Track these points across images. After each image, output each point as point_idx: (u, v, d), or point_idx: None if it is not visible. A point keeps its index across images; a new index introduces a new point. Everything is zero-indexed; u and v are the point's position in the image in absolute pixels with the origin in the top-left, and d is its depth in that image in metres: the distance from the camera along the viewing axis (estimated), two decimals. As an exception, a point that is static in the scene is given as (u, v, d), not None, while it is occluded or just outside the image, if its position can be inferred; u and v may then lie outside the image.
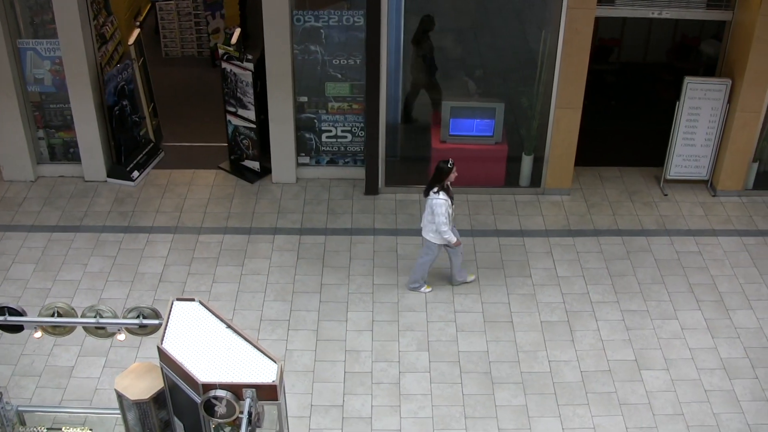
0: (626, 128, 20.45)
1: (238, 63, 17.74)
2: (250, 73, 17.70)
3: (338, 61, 17.64)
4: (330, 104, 18.14)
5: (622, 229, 17.61)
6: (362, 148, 18.30)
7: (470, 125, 17.91)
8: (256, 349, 9.54)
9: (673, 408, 14.15)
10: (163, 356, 9.51)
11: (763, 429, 13.93)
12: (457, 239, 15.30)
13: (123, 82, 18.20)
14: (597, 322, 15.52)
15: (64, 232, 17.21)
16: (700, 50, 21.71)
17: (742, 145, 18.39)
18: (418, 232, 16.80)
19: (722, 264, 17.02)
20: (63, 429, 11.34)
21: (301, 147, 18.42)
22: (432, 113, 18.46)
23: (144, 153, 18.95)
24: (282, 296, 15.75)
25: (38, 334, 10.86)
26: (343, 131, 18.35)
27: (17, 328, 10.82)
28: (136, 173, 18.49)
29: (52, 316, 10.66)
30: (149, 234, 17.15)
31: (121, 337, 10.73)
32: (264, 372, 9.28)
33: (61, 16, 16.84)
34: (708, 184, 19.15)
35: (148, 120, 19.33)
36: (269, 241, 17.02)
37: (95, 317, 10.59)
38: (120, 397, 10.24)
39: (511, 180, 18.54)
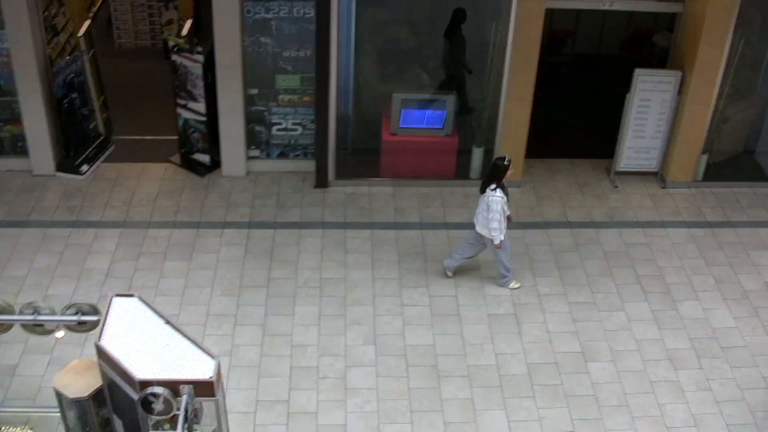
0: (579, 120, 20.47)
1: (188, 55, 17.64)
2: (200, 65, 17.59)
3: (289, 54, 17.58)
4: (280, 97, 18.10)
5: (571, 221, 17.62)
6: (313, 140, 18.13)
7: (421, 117, 17.87)
8: (194, 345, 9.48)
9: (618, 399, 14.18)
10: (101, 353, 9.46)
11: (706, 419, 14.00)
12: (501, 241, 15.28)
13: (72, 75, 18.08)
14: (544, 315, 15.54)
15: (11, 228, 17.06)
16: (654, 42, 21.70)
17: (692, 137, 18.45)
18: (367, 225, 16.87)
19: (670, 255, 17.07)
20: (3, 429, 11.20)
21: (252, 140, 18.35)
22: (383, 105, 18.28)
23: (94, 146, 18.83)
24: (229, 291, 15.68)
25: (-24, 331, 10.72)
26: (293, 124, 18.30)
27: (-46, 326, 10.68)
28: (85, 167, 18.37)
29: (-9, 313, 10.50)
30: (97, 229, 17.04)
31: (60, 334, 10.65)
32: (202, 368, 9.20)
33: (9, 6, 16.68)
34: (658, 176, 19.21)
35: (98, 113, 19.20)
36: (218, 235, 16.94)
37: (33, 314, 10.48)
38: (59, 395, 10.15)
39: (462, 172, 18.55)
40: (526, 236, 17.19)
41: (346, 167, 18.28)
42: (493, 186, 14.91)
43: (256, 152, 18.48)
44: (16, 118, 18.22)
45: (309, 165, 18.44)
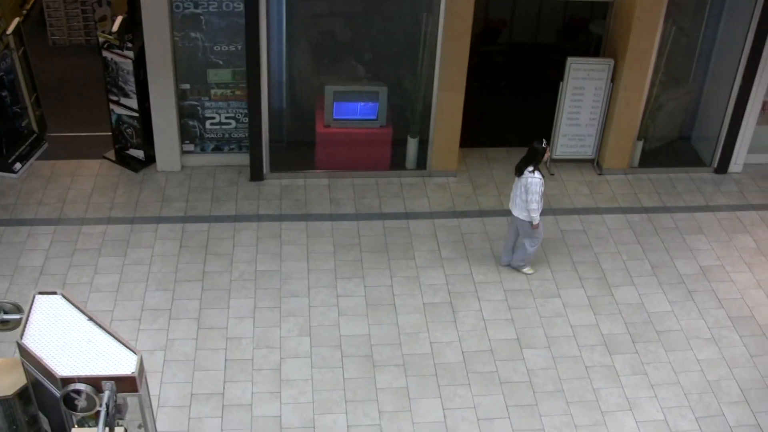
0: (515, 109, 20.51)
1: (119, 51, 17.46)
2: (131, 61, 17.43)
3: (219, 48, 17.49)
4: (213, 91, 17.99)
5: (506, 210, 17.55)
6: (247, 134, 18.04)
7: (354, 109, 17.84)
8: (117, 341, 9.40)
9: (553, 385, 14.20)
10: (23, 351, 9.35)
11: (641, 402, 14.09)
12: (539, 223, 15.52)
13: (2, 73, 17.90)
14: (480, 303, 15.54)
15: (-57, 227, 16.80)
16: (591, 30, 21.75)
17: (627, 124, 18.51)
18: (302, 217, 16.81)
19: (606, 241, 17.12)
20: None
21: (186, 134, 18.24)
22: (317, 98, 18.22)
23: (27, 144, 18.65)
24: (164, 285, 15.59)
25: None
26: (227, 118, 18.21)
27: None
28: (18, 165, 18.20)
29: None
30: (31, 227, 16.88)
31: (-16, 333, 10.49)
32: (124, 364, 9.12)
33: (-63, 6, 16.39)
34: (594, 163, 19.25)
35: (30, 111, 18.99)
36: (153, 230, 16.84)
37: (-46, 313, 10.33)
38: (-16, 394, 10.00)
39: (397, 163, 18.49)
40: (462, 225, 17.20)
41: (281, 160, 18.20)
42: (531, 168, 15.22)
43: (190, 147, 18.38)
44: (-54, 117, 17.84)
45: (244, 158, 18.35)
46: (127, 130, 18.27)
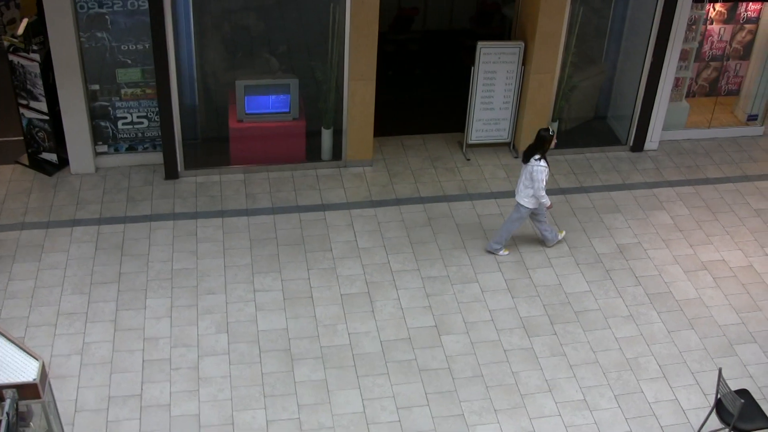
0: (430, 96, 20.46)
1: (25, 54, 17.21)
2: (38, 64, 17.18)
3: (127, 47, 17.31)
4: (123, 91, 17.80)
5: (423, 197, 17.60)
6: (160, 132, 17.86)
7: (266, 102, 17.73)
8: (19, 349, 9.25)
9: (472, 370, 14.19)
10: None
11: (560, 383, 14.12)
12: (550, 205, 15.93)
13: None
14: (397, 291, 15.49)
15: None
16: (504, 14, 21.75)
17: (540, 107, 18.54)
18: (218, 213, 16.71)
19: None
20: None
21: (98, 136, 18.04)
22: (230, 93, 18.09)
23: (-65, 152, 18.27)
24: (80, 289, 15.41)
25: None
26: (139, 117, 18.03)
27: None
28: (-72, 174, 17.82)
29: None
30: (-58, 236, 16.55)
31: None
32: (26, 371, 8.99)
33: None
34: (510, 146, 19.23)
35: (-62, 117, 18.67)
36: (67, 234, 16.65)
37: None
38: None
39: (313, 155, 18.42)
40: (379, 214, 17.15)
41: (196, 157, 18.08)
42: (537, 156, 15.44)
43: (104, 148, 18.18)
44: None
45: (159, 157, 18.20)
46: (39, 134, 18.03)
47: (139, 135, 18.24)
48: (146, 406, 13.51)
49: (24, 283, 15.62)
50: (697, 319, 15.48)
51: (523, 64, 18.21)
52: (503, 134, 18.94)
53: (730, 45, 20.33)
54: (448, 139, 19.54)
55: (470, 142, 18.89)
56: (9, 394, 8.91)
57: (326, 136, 18.22)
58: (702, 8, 19.14)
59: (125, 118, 18.06)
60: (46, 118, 17.91)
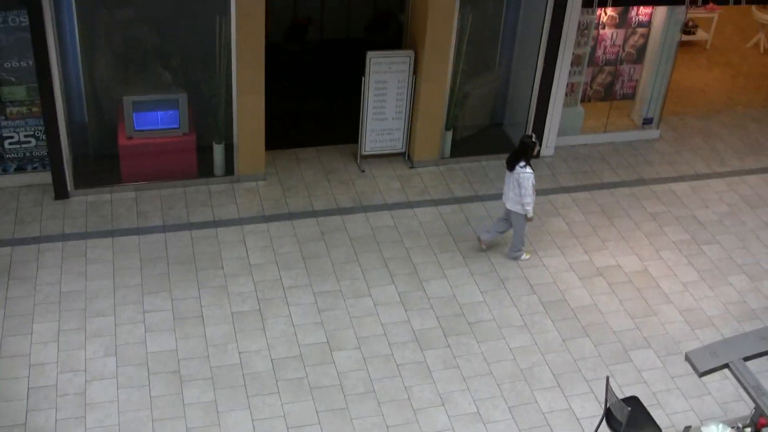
0: (326, 107, 20.24)
1: None
2: None
3: (10, 65, 16.86)
4: (9, 109, 17.38)
5: (317, 210, 17.40)
6: (48, 151, 17.54)
7: (154, 118, 17.41)
8: None
9: (364, 386, 14.01)
10: None
11: (454, 396, 14.06)
12: (531, 216, 15.93)
13: None
14: (289, 308, 15.28)
15: None
16: (400, 23, 21.59)
17: (432, 115, 18.43)
18: (108, 233, 16.45)
19: (417, 235, 17.00)
20: None
21: (-16, 156, 17.55)
22: (119, 108, 17.76)
23: None
24: (-37, 316, 14.93)
25: None
26: (26, 136, 17.63)
27: None
28: None
29: None
30: None
31: None
32: None
33: None
34: (405, 157, 19.05)
35: None
36: (-50, 260, 16.15)
37: None
38: None
39: (205, 170, 18.13)
40: (271, 229, 16.92)
41: (86, 175, 17.75)
42: (522, 163, 15.51)
43: (-9, 168, 17.69)
44: None
45: (49, 177, 17.72)
46: None
47: (27, 154, 17.84)
48: (31, 435, 13.07)
49: None
50: (591, 326, 15.43)
51: (414, 73, 17.92)
52: (397, 144, 18.78)
53: (624, 49, 20.37)
54: (343, 150, 19.33)
55: (364, 153, 18.70)
56: None
57: (218, 150, 17.97)
58: (593, 13, 19.11)
59: (12, 137, 17.66)
60: (-71, 139, 17.39)
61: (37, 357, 14.33)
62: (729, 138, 21.41)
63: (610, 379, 14.24)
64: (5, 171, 17.93)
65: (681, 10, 19.69)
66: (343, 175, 18.56)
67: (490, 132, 20.15)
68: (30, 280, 15.76)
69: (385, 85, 18.05)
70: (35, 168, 17.99)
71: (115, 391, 13.83)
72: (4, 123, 17.52)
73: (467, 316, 15.45)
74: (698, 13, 25.08)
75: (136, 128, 17.55)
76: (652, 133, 20.89)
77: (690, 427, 12.20)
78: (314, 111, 19.98)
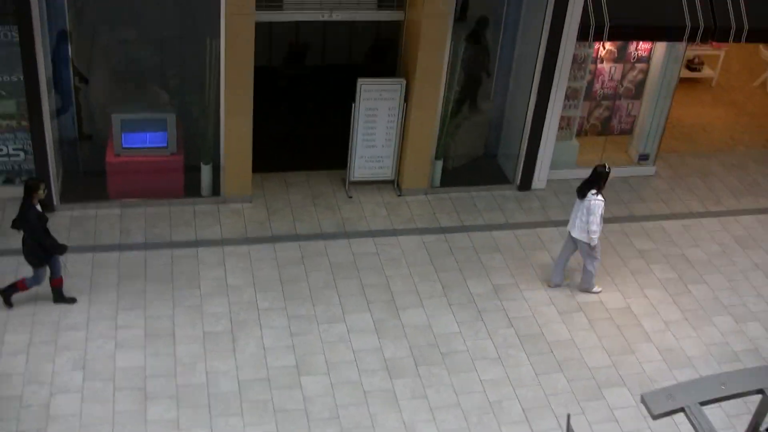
0: (320, 132, 20.10)
1: None
2: None
3: (1, 79, 16.86)
4: (-1, 122, 17.35)
5: (300, 234, 17.35)
6: (38, 165, 17.58)
7: (143, 138, 17.44)
8: None
9: (329, 412, 13.94)
10: None
11: (419, 426, 13.93)
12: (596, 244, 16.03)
13: None
14: (261, 330, 15.22)
15: None
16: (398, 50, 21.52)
17: (422, 144, 18.38)
18: (89, 248, 16.74)
19: (398, 263, 16.91)
20: None
21: (-26, 168, 17.60)
22: (109, 126, 17.78)
23: None
24: (-62, 325, 14.94)
25: None
26: (15, 149, 17.71)
27: None
28: None
29: None
30: None
31: None
32: None
33: None
34: (394, 184, 18.95)
35: None
36: (-62, 269, 16.18)
37: None
38: None
39: (192, 190, 18.12)
40: (252, 252, 16.88)
41: (73, 190, 17.77)
42: (594, 191, 15.70)
43: (-21, 180, 17.73)
44: None
45: (36, 190, 17.68)
46: None
47: (16, 167, 17.85)
48: (-10, 446, 13.04)
49: None
50: (567, 362, 15.31)
51: (405, 101, 17.86)
52: (386, 172, 18.72)
53: (622, 84, 20.25)
54: (332, 176, 19.29)
55: (353, 179, 18.64)
56: None
57: (205, 171, 17.96)
58: (590, 47, 19.00)
59: (1, 150, 17.63)
60: None
61: (5, 367, 14.36)
62: (727, 177, 21.20)
63: (575, 417, 14.10)
64: (-6, 183, 17.89)
65: (681, 46, 19.48)
66: (330, 201, 18.50)
67: (483, 163, 20.09)
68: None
69: (376, 112, 18.03)
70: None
71: (78, 405, 13.86)
72: (-6, 136, 17.48)
73: (441, 346, 15.32)
74: (704, 50, 24.90)
75: (124, 146, 17.59)
76: (647, 169, 20.76)
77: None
78: (308, 135, 19.96)
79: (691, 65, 24.97)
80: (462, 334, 15.58)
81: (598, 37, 17.85)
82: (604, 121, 20.61)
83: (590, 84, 19.79)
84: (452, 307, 16.11)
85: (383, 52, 21.35)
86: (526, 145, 19.00)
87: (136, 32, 17.83)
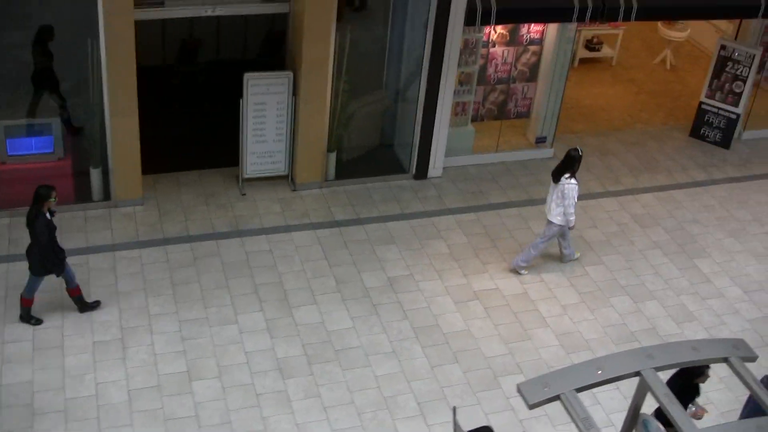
0: (214, 129, 19.77)
1: None
2: None
3: None
4: None
5: (192, 235, 17.11)
6: None
7: (28, 143, 17.07)
8: None
9: (220, 417, 13.80)
10: None
11: (311, 426, 13.94)
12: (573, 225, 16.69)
13: None
14: (152, 336, 15.00)
15: None
16: (294, 43, 21.29)
17: (313, 137, 18.22)
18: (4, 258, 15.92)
19: (292, 260, 16.75)
20: None
21: None
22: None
23: None
24: None
25: None
26: None
27: None
28: None
29: None
30: None
31: None
32: None
33: None
34: (289, 179, 18.74)
35: None
36: None
37: None
38: None
39: (83, 195, 17.77)
40: (144, 255, 16.63)
41: (-38, 201, 17.28)
42: (567, 175, 16.25)
43: None
44: None
45: None
46: None
47: None
48: None
49: None
50: (462, 352, 15.25)
51: (294, 94, 17.64)
52: (280, 167, 18.52)
53: (516, 67, 20.14)
54: (226, 174, 19.03)
55: (246, 176, 18.40)
56: None
57: (95, 175, 17.68)
58: (480, 31, 18.87)
59: None
60: None
61: None
62: (625, 156, 21.25)
63: (471, 408, 14.08)
64: None
65: (572, 27, 19.42)
66: (223, 199, 18.27)
67: (380, 153, 19.91)
68: None
69: (264, 107, 17.82)
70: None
71: (-40, 426, 13.40)
72: None
73: (334, 343, 15.20)
74: (603, 30, 24.89)
75: (10, 153, 17.16)
76: (546, 152, 20.74)
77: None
78: (201, 133, 19.57)
79: (590, 45, 24.95)
80: (356, 330, 15.44)
81: (486, 21, 17.65)
82: (500, 105, 20.53)
83: (483, 68, 19.61)
84: (346, 302, 15.96)
85: (278, 46, 21.08)
86: (419, 133, 18.80)
87: (16, 35, 17.35)
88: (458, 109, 19.62)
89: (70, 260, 15.79)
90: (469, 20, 17.75)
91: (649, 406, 11.44)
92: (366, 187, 18.97)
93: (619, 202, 19.54)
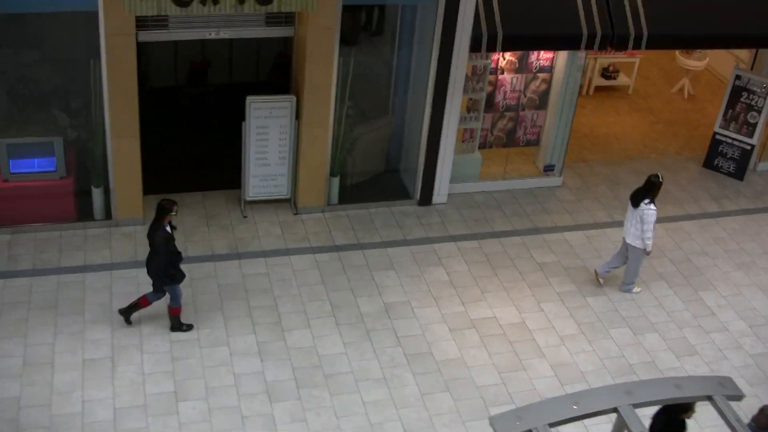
0: (218, 151, 19.74)
1: None
2: None
3: None
4: None
5: (191, 256, 17.11)
6: None
7: (31, 162, 17.13)
8: None
9: (204, 439, 13.59)
10: None
11: (294, 452, 13.48)
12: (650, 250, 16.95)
13: None
14: (143, 355, 14.98)
15: None
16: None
17: (316, 161, 18.17)
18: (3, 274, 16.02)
19: (288, 284, 16.71)
20: None
21: None
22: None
23: None
24: None
25: None
26: None
27: None
28: None
29: None
30: None
31: None
32: None
33: None
34: (291, 203, 18.71)
35: None
36: None
37: None
38: None
39: (85, 214, 17.82)
40: (140, 275, 16.58)
41: (-37, 216, 17.37)
42: (647, 201, 16.56)
43: None
44: None
45: None
46: None
47: None
48: None
49: None
50: (454, 381, 15.15)
51: (297, 118, 17.63)
52: (282, 190, 18.49)
53: (525, 94, 20.04)
54: (229, 196, 19.03)
55: (248, 199, 18.37)
56: None
57: (97, 194, 17.73)
58: (488, 57, 18.82)
59: None
60: None
61: None
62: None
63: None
64: None
65: (581, 54, 19.34)
66: (224, 221, 18.26)
67: (385, 178, 19.84)
68: None
69: (267, 130, 17.82)
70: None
71: (-57, 442, 13.42)
72: None
73: (324, 367, 15.13)
74: (619, 58, 24.73)
75: (12, 171, 17.25)
76: (554, 180, 20.60)
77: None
78: (206, 155, 19.51)
79: (606, 73, 24.76)
80: (347, 355, 15.35)
81: (492, 48, 17.57)
82: (509, 132, 20.39)
83: (492, 95, 19.51)
84: (340, 327, 15.90)
85: (286, 69, 21.08)
86: (423, 159, 18.71)
87: (19, 56, 17.43)
88: (465, 136, 19.55)
89: (67, 278, 15.79)
90: (475, 47, 17.58)
91: (645, 416, 11.30)
92: (369, 212, 18.91)
93: (626, 232, 19.26)
